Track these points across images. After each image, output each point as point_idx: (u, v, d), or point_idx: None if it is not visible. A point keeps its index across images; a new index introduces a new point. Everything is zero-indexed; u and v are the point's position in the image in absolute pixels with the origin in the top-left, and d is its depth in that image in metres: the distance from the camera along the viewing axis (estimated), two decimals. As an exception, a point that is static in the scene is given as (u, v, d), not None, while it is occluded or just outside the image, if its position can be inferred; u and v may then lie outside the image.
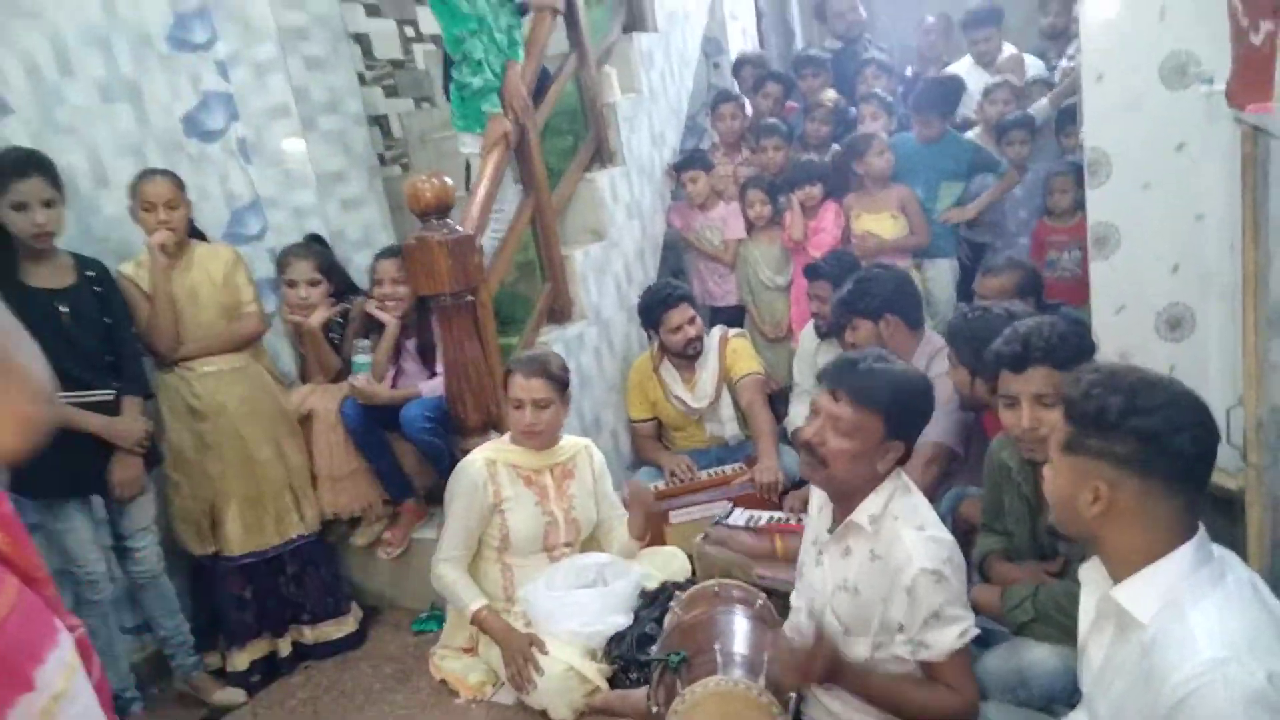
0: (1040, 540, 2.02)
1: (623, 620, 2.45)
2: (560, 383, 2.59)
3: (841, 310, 2.85)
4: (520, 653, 2.38)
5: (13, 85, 2.66)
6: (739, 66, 4.88)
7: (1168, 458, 1.25)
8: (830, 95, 4.23)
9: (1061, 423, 1.35)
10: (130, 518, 2.55)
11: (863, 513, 1.80)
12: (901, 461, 1.84)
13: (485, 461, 2.57)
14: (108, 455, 2.46)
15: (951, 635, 1.69)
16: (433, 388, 2.91)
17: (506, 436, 2.65)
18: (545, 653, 2.37)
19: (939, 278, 3.82)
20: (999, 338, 1.97)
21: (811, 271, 3.34)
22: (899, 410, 1.77)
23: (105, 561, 2.51)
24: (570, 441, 2.71)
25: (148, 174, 2.70)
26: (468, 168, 3.40)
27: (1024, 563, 2.04)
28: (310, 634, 2.88)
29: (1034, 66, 4.31)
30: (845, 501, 1.85)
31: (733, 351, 3.36)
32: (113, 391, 2.47)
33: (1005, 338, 1.94)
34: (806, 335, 3.42)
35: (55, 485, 2.40)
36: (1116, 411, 1.27)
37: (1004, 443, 2.10)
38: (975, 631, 1.72)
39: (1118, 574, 1.33)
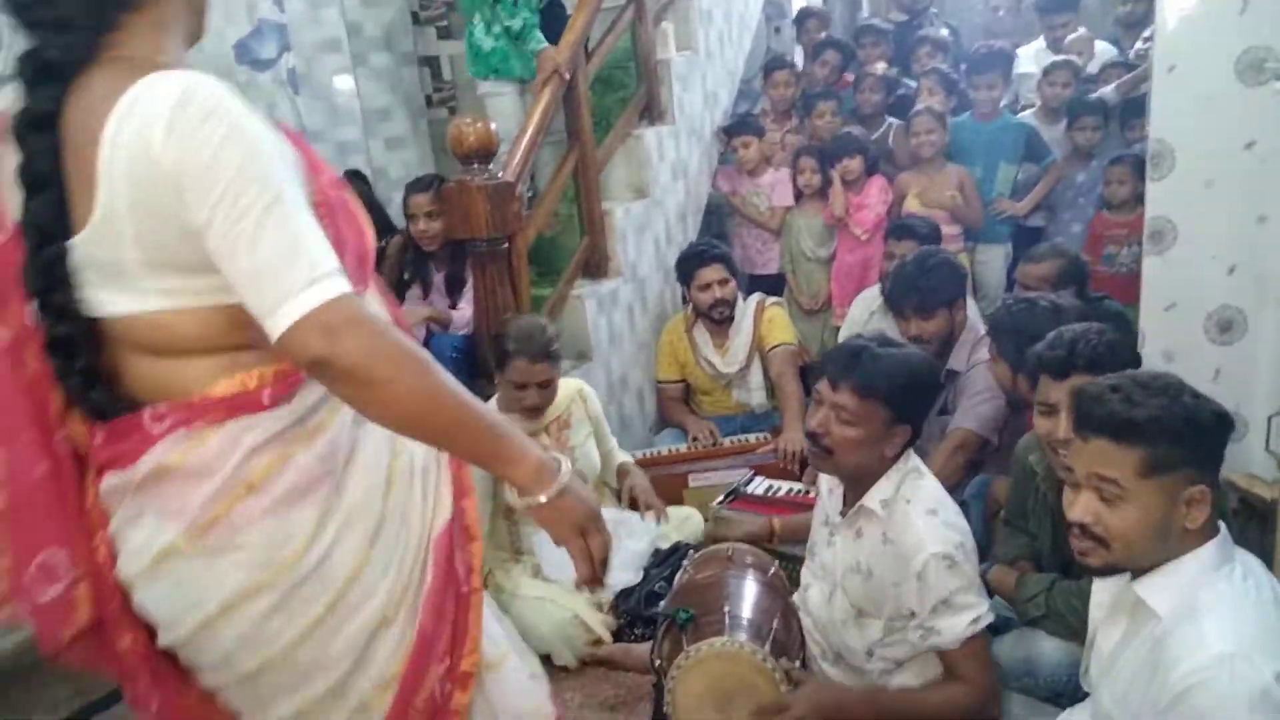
0: (1063, 547, 1.97)
1: (632, 577, 2.44)
2: (558, 358, 2.54)
3: (920, 302, 2.69)
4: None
5: None
6: (802, 19, 4.80)
7: (1227, 434, 1.30)
8: (880, 66, 4.14)
9: (1123, 454, 1.28)
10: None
11: (874, 497, 1.79)
12: (910, 442, 1.82)
13: None
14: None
15: (962, 623, 1.67)
16: (464, 318, 2.91)
17: (494, 402, 2.57)
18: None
19: (991, 263, 3.76)
20: (1043, 340, 1.88)
21: (900, 231, 3.26)
22: (902, 396, 1.75)
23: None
24: (562, 391, 2.63)
25: None
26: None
27: None
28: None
29: (1105, 53, 4.18)
30: (856, 485, 1.84)
31: (768, 320, 3.32)
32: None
33: (1049, 341, 1.86)
34: (861, 302, 3.33)
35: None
36: (1202, 411, 1.28)
37: (1032, 444, 2.02)
38: (989, 619, 1.70)
39: (1138, 570, 1.32)
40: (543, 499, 1.12)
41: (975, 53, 3.96)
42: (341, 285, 1.00)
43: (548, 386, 2.51)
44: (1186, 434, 1.26)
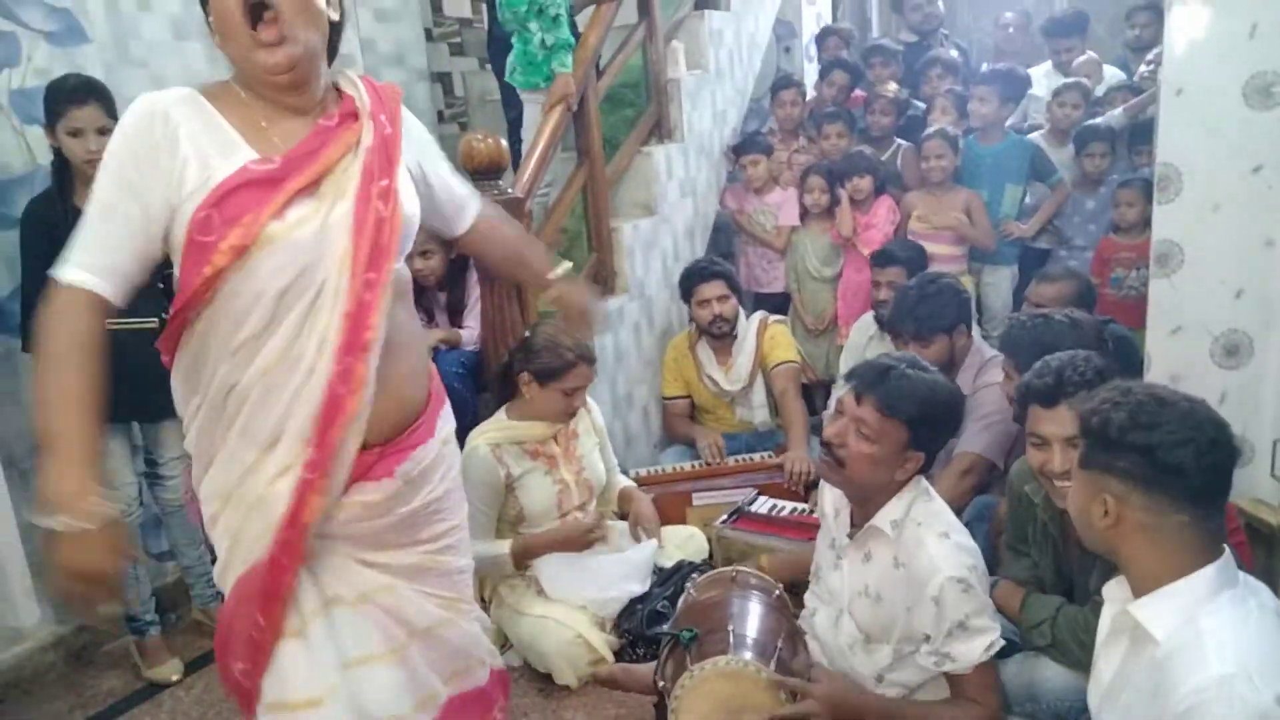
0: (1065, 572, 1.95)
1: (637, 588, 2.45)
2: None
3: (917, 329, 2.70)
4: (579, 536, 2.50)
5: (92, 15, 2.71)
6: (824, 37, 4.82)
7: (1169, 473, 1.27)
8: (892, 87, 4.15)
9: (1080, 439, 1.39)
10: (164, 445, 2.61)
11: (884, 517, 1.78)
12: (922, 471, 1.81)
13: (490, 447, 2.49)
14: (151, 382, 2.50)
15: (978, 648, 1.67)
16: (472, 337, 2.92)
17: (502, 414, 2.59)
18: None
19: (998, 285, 3.75)
20: (1030, 370, 1.86)
21: (883, 258, 3.27)
22: (925, 422, 1.75)
23: (137, 487, 2.57)
24: None
25: None
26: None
27: None
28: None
29: (1114, 78, 4.18)
30: (864, 505, 1.83)
31: (770, 338, 3.33)
32: (155, 319, 2.51)
33: (1036, 370, 1.84)
34: (859, 328, 3.37)
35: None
36: (1117, 426, 1.30)
37: (1025, 474, 1.98)
38: (1001, 644, 1.70)
39: (1139, 591, 1.33)
40: (39, 521, 1.23)
41: (986, 73, 3.96)
42: (68, 275, 1.30)
43: (586, 389, 2.59)
44: (1107, 442, 1.30)
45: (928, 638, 1.70)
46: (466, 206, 1.69)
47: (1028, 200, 3.80)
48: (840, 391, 3.27)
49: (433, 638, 1.55)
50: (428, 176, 1.57)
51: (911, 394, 1.73)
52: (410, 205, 1.46)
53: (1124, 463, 1.29)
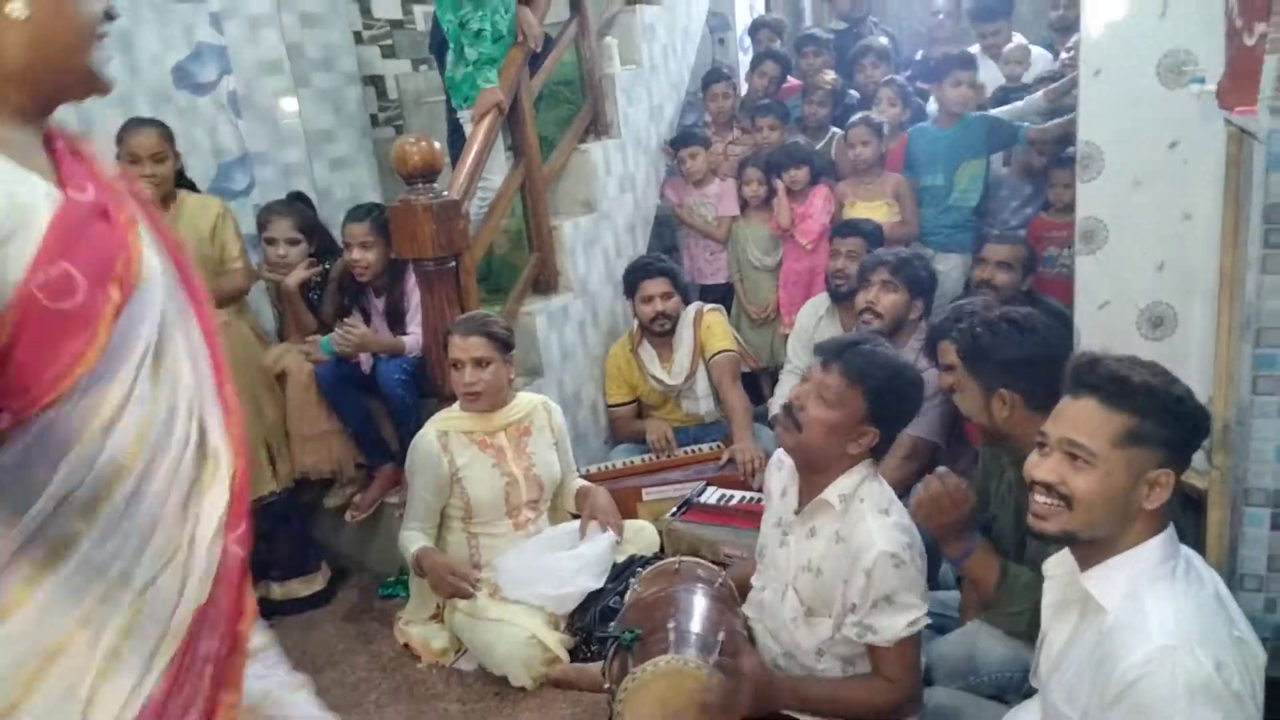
0: (1021, 525, 1.97)
1: (593, 583, 2.45)
2: (501, 341, 2.55)
3: (897, 266, 2.85)
4: (446, 578, 2.43)
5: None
6: (756, 29, 4.85)
7: (1202, 436, 1.36)
8: (829, 77, 4.18)
9: (1106, 417, 1.30)
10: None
11: (834, 491, 1.80)
12: (876, 451, 1.84)
13: (437, 434, 2.53)
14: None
15: (900, 623, 1.69)
16: (415, 343, 2.90)
17: (457, 404, 2.61)
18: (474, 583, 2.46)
19: (949, 273, 3.70)
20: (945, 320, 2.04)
21: (846, 228, 3.31)
22: (885, 395, 1.78)
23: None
24: (525, 399, 2.69)
25: (133, 125, 2.67)
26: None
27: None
28: (279, 591, 2.89)
29: (1041, 59, 4.25)
30: (813, 478, 1.85)
31: (707, 327, 3.36)
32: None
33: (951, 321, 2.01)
34: (809, 310, 3.40)
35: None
36: (1187, 396, 1.33)
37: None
38: (925, 622, 1.72)
39: (1088, 564, 1.35)
40: None
41: (939, 59, 3.97)
42: None
43: (483, 366, 2.51)
44: (1171, 414, 1.30)
45: (854, 607, 1.72)
46: None
47: (1004, 193, 3.78)
48: (786, 371, 3.33)
49: None
50: None
51: (878, 362, 1.79)
52: None
53: (1183, 435, 1.34)
